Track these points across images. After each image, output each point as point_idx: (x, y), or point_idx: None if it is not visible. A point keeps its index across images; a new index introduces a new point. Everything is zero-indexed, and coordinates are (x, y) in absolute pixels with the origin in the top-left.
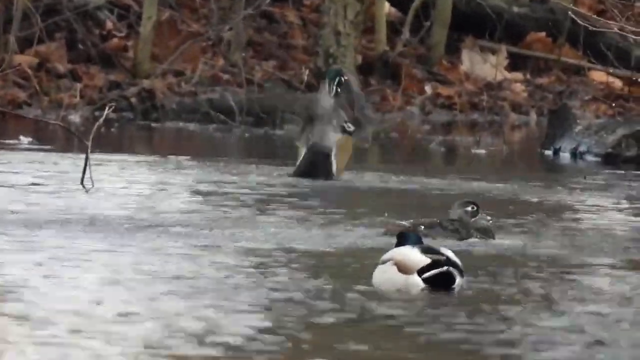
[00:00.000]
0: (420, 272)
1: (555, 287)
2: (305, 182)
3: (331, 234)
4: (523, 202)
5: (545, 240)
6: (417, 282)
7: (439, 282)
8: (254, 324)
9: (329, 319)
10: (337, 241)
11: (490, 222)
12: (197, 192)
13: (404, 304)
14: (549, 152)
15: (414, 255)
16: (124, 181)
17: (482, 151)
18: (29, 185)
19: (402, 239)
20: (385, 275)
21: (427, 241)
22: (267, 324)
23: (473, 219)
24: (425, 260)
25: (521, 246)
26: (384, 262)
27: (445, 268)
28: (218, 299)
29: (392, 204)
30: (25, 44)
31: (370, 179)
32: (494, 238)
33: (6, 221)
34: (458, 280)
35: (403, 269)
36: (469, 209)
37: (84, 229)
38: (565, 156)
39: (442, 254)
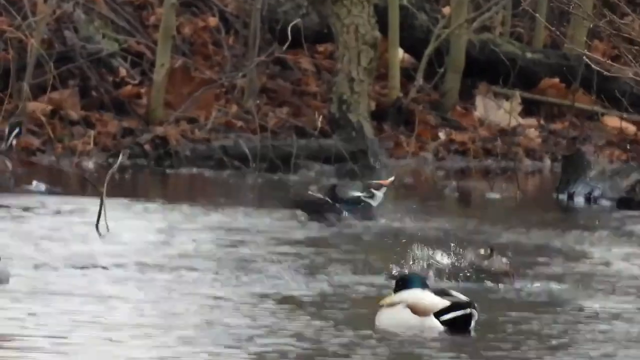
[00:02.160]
0: (438, 314)
1: (575, 332)
2: (318, 228)
3: (337, 279)
4: (539, 246)
5: (562, 284)
6: (434, 324)
7: (457, 324)
8: None
9: None
10: (341, 286)
11: (508, 265)
12: (210, 238)
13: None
14: (563, 197)
15: (429, 298)
16: (138, 226)
17: (497, 196)
18: (46, 230)
19: (405, 282)
20: (397, 318)
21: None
22: None
23: (487, 261)
24: (443, 302)
25: (539, 291)
26: (391, 305)
27: (468, 310)
28: (228, 347)
29: (405, 249)
30: (38, 91)
31: (384, 224)
32: (512, 279)
33: (30, 266)
34: (474, 322)
35: (418, 311)
36: (482, 251)
37: (100, 273)
38: (579, 201)
39: (457, 296)
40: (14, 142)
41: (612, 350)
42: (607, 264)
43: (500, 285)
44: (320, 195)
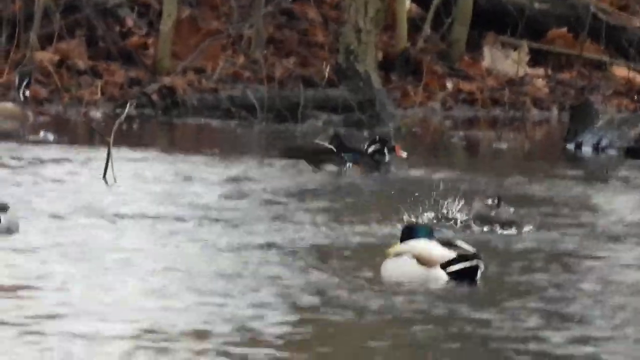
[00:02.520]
0: (445, 265)
1: (584, 281)
2: (326, 178)
3: (347, 229)
4: (547, 196)
5: (570, 234)
6: (440, 275)
7: (464, 275)
8: (267, 314)
9: (343, 313)
10: (350, 236)
11: (515, 215)
12: (217, 188)
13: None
14: (570, 147)
15: (435, 249)
16: (145, 177)
17: (504, 146)
18: (53, 180)
19: (411, 232)
20: (403, 268)
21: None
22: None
23: (494, 212)
24: (450, 253)
25: (546, 240)
26: (397, 255)
27: (474, 262)
28: (243, 295)
29: (414, 198)
30: (45, 41)
31: (390, 175)
32: (520, 229)
33: (35, 215)
34: (480, 273)
35: (424, 262)
36: (490, 202)
37: (106, 224)
38: (587, 150)
39: (463, 247)
40: (27, 92)
41: (623, 300)
42: (615, 213)
43: (508, 235)
44: (324, 144)
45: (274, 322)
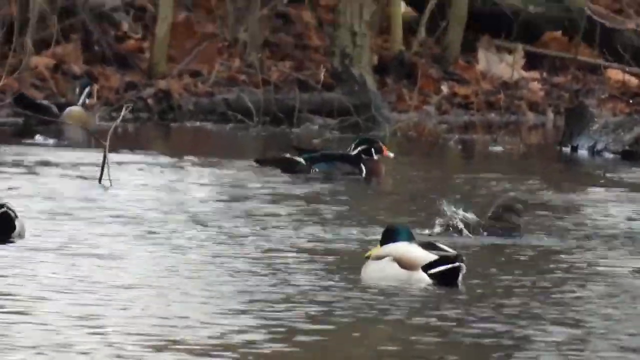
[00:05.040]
0: (426, 268)
1: (573, 288)
2: (324, 182)
3: (341, 233)
4: (545, 199)
5: (569, 240)
6: (423, 278)
7: (445, 277)
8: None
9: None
10: (332, 240)
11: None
12: (210, 194)
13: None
14: (566, 150)
15: (416, 252)
16: (141, 181)
17: (499, 149)
18: (50, 184)
19: (392, 234)
20: (384, 272)
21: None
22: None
23: (508, 217)
24: (431, 256)
25: (545, 245)
26: (378, 258)
27: (456, 263)
28: (230, 300)
29: (413, 205)
30: (41, 46)
31: (388, 180)
32: (520, 234)
33: (35, 219)
34: (462, 275)
35: (406, 265)
36: (518, 206)
37: (103, 227)
38: (583, 154)
39: (444, 249)
40: (87, 100)
41: (611, 310)
42: (614, 219)
43: (510, 240)
44: (292, 157)
45: (247, 326)
